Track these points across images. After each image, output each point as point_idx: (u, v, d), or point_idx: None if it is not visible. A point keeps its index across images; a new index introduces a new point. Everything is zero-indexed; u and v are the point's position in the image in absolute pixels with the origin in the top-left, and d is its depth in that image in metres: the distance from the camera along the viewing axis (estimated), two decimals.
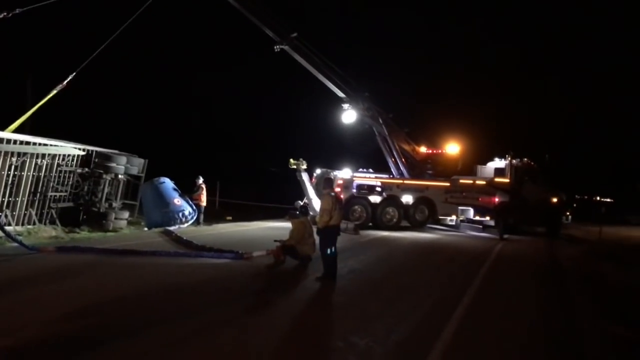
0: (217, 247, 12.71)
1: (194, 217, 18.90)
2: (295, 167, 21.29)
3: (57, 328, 6.24)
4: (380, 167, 23.44)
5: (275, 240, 11.68)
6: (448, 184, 21.97)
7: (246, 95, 37.08)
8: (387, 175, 22.65)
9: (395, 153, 22.91)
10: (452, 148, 23.76)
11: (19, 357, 5.23)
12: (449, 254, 15.44)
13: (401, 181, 22.03)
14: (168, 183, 18.97)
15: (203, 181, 19.84)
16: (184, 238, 14.30)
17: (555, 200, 22.75)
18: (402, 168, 22.83)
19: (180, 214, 18.29)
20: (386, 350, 6.24)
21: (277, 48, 19.90)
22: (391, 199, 21.45)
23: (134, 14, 18.11)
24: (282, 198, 24.06)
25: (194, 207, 19.06)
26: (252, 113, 37.71)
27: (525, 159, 22.88)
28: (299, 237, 11.43)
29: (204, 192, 19.81)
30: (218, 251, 12.34)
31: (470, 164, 23.76)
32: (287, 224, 12.09)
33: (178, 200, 18.53)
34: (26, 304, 7.23)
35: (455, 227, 22.76)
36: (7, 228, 12.47)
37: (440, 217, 22.23)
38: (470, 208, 21.98)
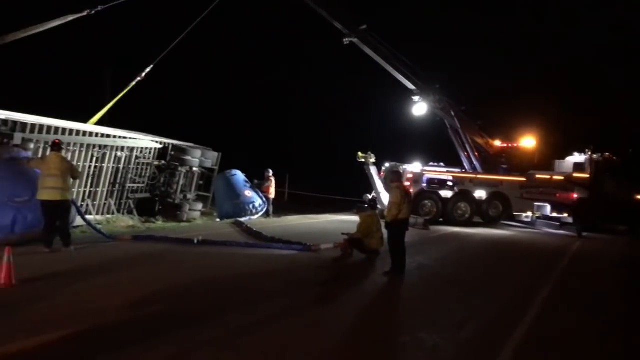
0: (286, 239, 12.85)
1: (264, 209, 19.19)
2: (363, 160, 21.19)
3: (131, 314, 6.46)
4: (452, 160, 22.92)
5: (343, 234, 11.65)
6: (524, 179, 21.20)
7: (316, 88, 37.17)
8: (459, 170, 22.14)
9: (467, 146, 22.34)
10: (528, 142, 22.88)
11: (95, 341, 5.44)
12: (523, 251, 14.91)
13: (474, 175, 21.47)
14: (239, 175, 19.36)
15: (272, 174, 20.10)
16: (254, 229, 14.55)
17: (638, 196, 21.49)
18: (475, 162, 22.25)
19: (251, 206, 18.63)
20: (456, 346, 6.07)
21: (346, 41, 19.81)
22: (463, 194, 20.96)
23: (208, 7, 18.56)
24: (351, 191, 24.02)
25: (264, 199, 19.36)
26: (322, 106, 37.75)
27: (607, 154, 21.70)
28: (366, 230, 11.35)
29: (273, 184, 20.08)
30: (287, 243, 12.46)
31: (548, 158, 22.79)
32: (356, 218, 12.02)
33: (249, 192, 18.87)
34: (103, 290, 7.54)
35: (530, 224, 21.94)
36: (88, 217, 13.08)
37: (515, 214, 21.47)
38: (547, 204, 21.12)
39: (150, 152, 16.93)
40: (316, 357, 5.48)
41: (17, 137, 11.87)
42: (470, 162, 22.36)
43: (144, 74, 18.65)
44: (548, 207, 21.12)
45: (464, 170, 22.13)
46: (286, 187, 27.10)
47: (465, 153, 22.48)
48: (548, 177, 21.26)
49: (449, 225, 20.10)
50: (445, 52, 34.37)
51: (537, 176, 21.25)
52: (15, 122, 12.40)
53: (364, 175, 21.52)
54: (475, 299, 8.52)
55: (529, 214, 21.39)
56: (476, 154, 22.36)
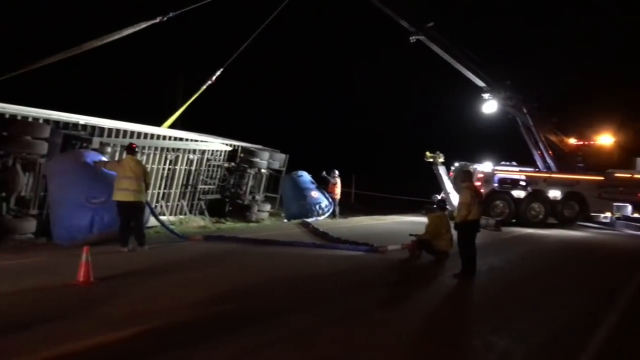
0: (352, 240, 12.82)
1: (330, 210, 19.24)
2: (431, 160, 20.86)
3: (202, 311, 6.61)
4: (525, 159, 22.18)
5: (411, 235, 11.50)
6: (602, 178, 20.24)
7: (383, 87, 36.95)
8: (532, 169, 21.41)
9: (541, 145, 21.57)
10: (606, 139, 21.83)
11: (167, 337, 5.60)
12: (601, 254, 14.23)
13: (548, 175, 20.71)
14: (306, 176, 19.50)
15: (338, 175, 20.11)
16: (320, 230, 14.61)
17: None
18: (548, 161, 21.45)
19: (317, 206, 18.73)
20: (528, 352, 5.85)
21: (412, 39, 19.57)
22: (537, 194, 20.26)
23: (276, 10, 18.82)
24: (419, 192, 23.69)
25: (330, 199, 19.40)
26: (389, 106, 37.50)
27: None
28: (435, 231, 11.15)
29: (339, 185, 20.09)
30: (353, 244, 12.43)
31: (628, 156, 21.66)
32: (424, 219, 11.84)
33: (315, 193, 18.98)
34: (175, 288, 7.77)
35: (609, 225, 20.93)
36: (162, 218, 13.53)
37: (592, 214, 20.55)
38: (628, 204, 20.08)
39: (220, 155, 17.33)
40: (383, 358, 5.41)
41: (95, 142, 12.41)
42: (544, 161, 21.58)
43: (214, 78, 19.14)
44: (629, 207, 20.08)
45: (537, 170, 21.40)
46: (352, 188, 27.07)
47: (539, 151, 21.73)
48: (629, 175, 20.20)
49: (522, 227, 19.48)
50: (520, 50, 33.35)
51: (617, 175, 20.24)
52: (93, 127, 12.97)
53: (432, 176, 21.17)
54: (549, 304, 8.20)
55: (608, 214, 20.42)
56: (550, 152, 21.57)
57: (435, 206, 12.21)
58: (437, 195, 19.37)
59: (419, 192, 23.50)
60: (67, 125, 12.36)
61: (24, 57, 15.41)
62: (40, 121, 11.64)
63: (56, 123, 12.03)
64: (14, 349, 4.89)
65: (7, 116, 11.01)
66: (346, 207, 21.52)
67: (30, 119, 11.54)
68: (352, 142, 36.27)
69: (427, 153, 20.93)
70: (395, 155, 34.23)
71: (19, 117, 11.35)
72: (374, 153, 35.95)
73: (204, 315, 6.46)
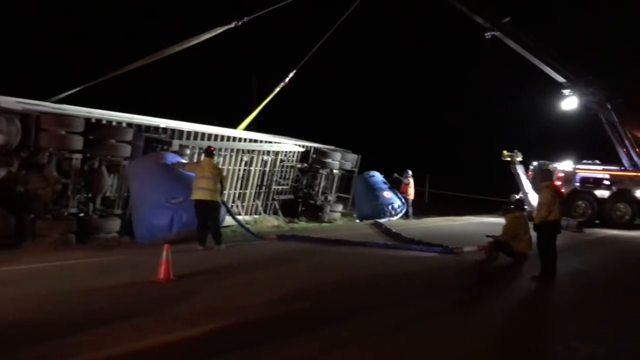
0: (426, 241, 12.63)
1: (403, 210, 19.04)
2: (509, 159, 20.27)
3: (277, 309, 6.71)
4: (609, 158, 21.09)
5: (487, 236, 11.19)
6: None
7: (456, 85, 36.16)
8: (617, 167, 20.33)
9: (627, 142, 20.42)
10: None
11: (242, 334, 5.72)
12: None
13: (635, 173, 19.60)
14: (378, 177, 19.36)
15: (411, 175, 19.87)
16: (393, 230, 14.48)
17: None
18: (635, 159, 20.28)
19: (390, 207, 18.56)
20: (614, 358, 5.56)
21: (487, 35, 19.09)
22: (622, 194, 19.24)
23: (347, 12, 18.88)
24: (495, 192, 23.05)
25: (403, 201, 19.20)
26: (462, 103, 36.68)
27: None
28: (513, 233, 10.79)
29: (412, 185, 19.85)
30: (427, 245, 12.24)
31: None
32: (501, 220, 11.50)
33: (387, 193, 18.82)
34: (250, 286, 7.92)
35: None
36: (237, 217, 13.84)
37: None
38: None
39: (293, 156, 17.54)
40: None
41: (175, 144, 12.87)
42: (630, 159, 20.42)
43: (287, 80, 19.41)
44: None
45: (622, 168, 20.29)
46: (426, 188, 26.65)
47: (624, 149, 20.58)
48: None
49: (606, 228, 18.55)
50: (604, 44, 31.77)
51: None
52: (173, 130, 13.47)
53: (509, 175, 20.55)
54: (636, 309, 7.76)
55: None
56: (637, 149, 20.39)
57: (513, 206, 11.85)
58: (515, 195, 18.76)
59: (495, 192, 22.88)
60: (148, 128, 12.89)
61: (110, 63, 16.25)
62: (124, 125, 12.19)
63: (138, 126, 12.56)
64: (99, 342, 5.13)
65: (93, 120, 11.60)
66: (419, 208, 21.23)
67: (114, 123, 12.11)
68: (426, 142, 35.71)
69: (505, 152, 20.35)
70: (471, 155, 33.41)
71: (104, 122, 11.94)
72: (448, 152, 35.22)
73: (278, 313, 6.55)
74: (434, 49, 37.45)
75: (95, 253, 10.01)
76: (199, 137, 14.20)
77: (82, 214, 11.32)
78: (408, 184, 19.68)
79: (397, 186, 19.75)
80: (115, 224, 11.70)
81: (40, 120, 10.44)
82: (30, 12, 29.44)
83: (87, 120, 11.32)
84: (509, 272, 10.22)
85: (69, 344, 5.04)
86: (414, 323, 6.46)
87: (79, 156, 10.98)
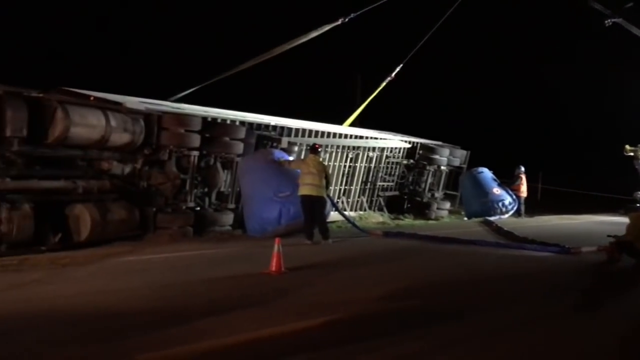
0: (540, 240, 12.08)
1: (515, 207, 18.30)
2: (632, 154, 18.92)
3: (387, 305, 6.72)
4: None
5: (609, 236, 10.52)
6: None
7: (570, 77, 34.11)
8: None
9: None
10: None
11: (354, 328, 5.78)
12: None
13: None
14: (487, 173, 18.72)
15: (524, 171, 19.05)
16: (505, 229, 14.00)
17: None
18: None
19: (500, 204, 17.89)
20: None
21: (608, 22, 17.87)
22: None
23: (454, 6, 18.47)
24: (616, 189, 21.55)
25: (514, 198, 18.45)
26: (579, 96, 34.52)
27: None
28: (637, 233, 10.06)
29: (524, 182, 19.02)
30: (541, 244, 11.71)
31: None
32: (624, 219, 10.75)
33: (497, 190, 18.16)
34: (359, 281, 8.00)
35: None
36: (344, 212, 13.98)
37: None
38: None
39: (399, 152, 17.42)
40: None
41: (284, 141, 13.23)
42: None
43: (393, 74, 19.29)
44: None
45: None
46: (539, 185, 25.41)
47: None
48: None
49: None
50: None
51: None
52: (282, 128, 13.85)
53: (632, 171, 19.16)
54: None
55: None
56: None
57: (638, 205, 11.03)
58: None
59: (617, 190, 21.38)
60: (259, 126, 13.34)
61: (223, 64, 16.97)
62: (237, 123, 12.70)
63: (250, 124, 13.04)
64: (219, 330, 5.39)
65: (209, 119, 12.18)
66: (532, 206, 20.30)
67: (228, 122, 12.65)
68: (540, 136, 34.04)
69: (627, 147, 19.03)
70: (590, 150, 31.47)
71: (219, 120, 12.50)
72: (564, 148, 33.35)
73: (389, 309, 6.56)
74: (548, 36, 35.53)
75: (211, 245, 10.52)
76: (307, 134, 14.49)
77: (198, 208, 11.93)
78: (520, 180, 18.89)
79: (508, 181, 19.00)
80: (228, 218, 12.23)
81: (162, 120, 11.12)
82: (150, 17, 31.38)
83: (204, 119, 11.90)
84: (633, 274, 9.54)
85: (191, 330, 5.34)
86: (526, 325, 6.21)
87: (196, 153, 11.56)
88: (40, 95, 9.65)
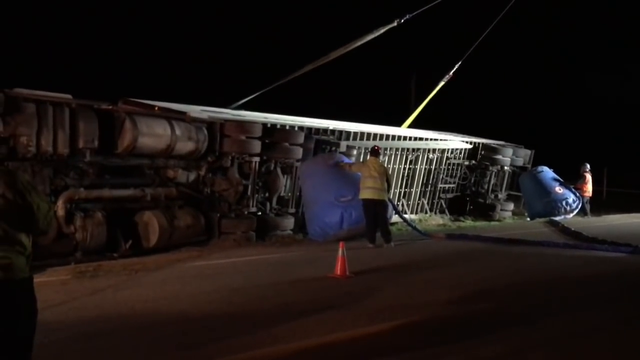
0: (611, 240, 11.65)
1: (579, 205, 17.66)
2: None
3: (456, 309, 6.63)
4: None
5: None
6: None
7: (634, 72, 32.67)
8: None
9: None
10: None
11: (424, 333, 5.73)
12: None
13: None
14: (547, 172, 18.14)
15: (589, 169, 18.37)
16: (572, 229, 13.57)
17: None
18: None
19: (564, 203, 17.31)
20: None
21: None
22: None
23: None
24: None
25: (578, 195, 17.80)
26: None
27: None
28: None
29: (589, 181, 18.34)
30: (612, 244, 11.29)
31: None
32: None
33: (559, 189, 17.58)
34: (426, 284, 7.91)
35: None
36: (405, 215, 13.88)
37: None
38: None
39: (460, 153, 17.14)
40: None
41: (343, 145, 13.24)
42: None
43: (451, 73, 19.00)
44: None
45: None
46: (604, 184, 24.45)
47: None
48: None
49: None
50: None
51: None
52: (340, 132, 13.88)
53: None
54: None
55: None
56: None
57: None
58: None
59: None
60: (318, 130, 13.41)
61: (280, 70, 17.18)
62: (296, 129, 12.81)
63: (309, 129, 13.12)
64: (290, 335, 5.44)
65: (269, 125, 12.33)
66: (597, 205, 19.57)
67: (287, 127, 12.78)
68: (606, 134, 32.76)
69: None
70: None
71: (278, 126, 12.65)
72: (632, 144, 31.96)
73: (459, 313, 6.47)
74: (616, 29, 34.20)
75: (274, 249, 10.64)
76: (365, 137, 14.46)
77: (260, 213, 12.09)
78: (586, 178, 18.24)
79: (573, 181, 18.36)
80: (289, 222, 12.33)
81: (224, 127, 11.33)
82: (208, 26, 32.13)
83: (264, 125, 12.06)
84: None
85: (264, 334, 5.42)
86: (605, 329, 6.02)
87: (257, 159, 11.72)
88: (110, 107, 10.02)
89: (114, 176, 10.03)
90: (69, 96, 9.37)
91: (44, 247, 8.48)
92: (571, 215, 17.34)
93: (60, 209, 8.87)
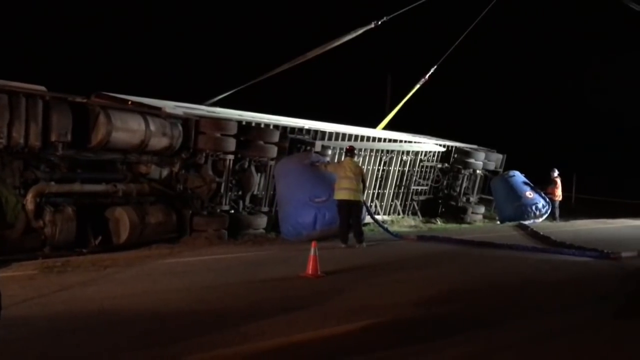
0: (578, 245, 11.89)
1: (548, 210, 18.01)
2: None
3: (425, 311, 6.69)
4: None
5: None
6: None
7: (607, 77, 33.29)
8: None
9: None
10: None
11: (393, 333, 5.78)
12: None
13: None
14: (518, 176, 18.46)
15: (558, 175, 18.75)
16: (541, 233, 13.81)
17: None
18: None
19: (534, 207, 17.63)
20: None
21: None
22: None
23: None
24: None
25: (547, 200, 18.15)
26: (613, 98, 33.70)
27: None
28: None
29: (559, 186, 18.73)
30: (579, 249, 11.52)
31: None
32: None
33: (530, 194, 17.90)
34: (396, 285, 7.96)
35: None
36: (376, 217, 13.96)
37: None
38: None
39: (433, 156, 17.32)
40: None
41: (318, 145, 13.28)
42: None
43: (427, 76, 19.19)
44: None
45: None
46: (573, 190, 24.95)
47: None
48: None
49: None
50: None
51: None
52: (316, 131, 13.90)
53: None
54: None
55: None
56: None
57: None
58: None
59: None
60: (293, 130, 13.41)
61: (257, 68, 17.13)
62: (271, 127, 12.80)
63: (284, 128, 13.11)
64: (260, 333, 5.45)
65: (244, 123, 12.30)
66: (566, 210, 19.98)
67: (262, 125, 12.75)
68: (575, 139, 33.36)
69: None
70: (628, 153, 30.78)
71: (253, 124, 12.62)
72: (600, 151, 32.63)
73: (427, 314, 6.55)
74: (584, 36, 34.82)
75: (246, 248, 10.63)
76: (340, 137, 14.51)
77: (233, 211, 12.05)
78: (555, 183, 18.61)
79: (542, 186, 18.72)
80: (262, 221, 12.33)
81: (199, 124, 11.27)
82: (181, 21, 31.86)
83: (239, 123, 12.02)
84: None
85: (234, 333, 5.42)
86: (569, 332, 6.13)
87: (231, 157, 11.68)
88: (84, 100, 9.88)
89: (85, 171, 9.91)
90: (42, 88, 9.23)
91: (10, 241, 8.36)
92: (540, 219, 17.67)
93: (29, 202, 8.74)
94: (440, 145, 17.61)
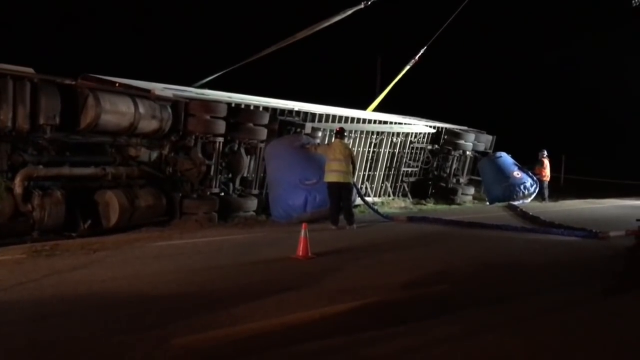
0: (567, 225, 11.99)
1: (537, 190, 18.10)
2: None
3: (416, 290, 6.73)
4: None
5: (638, 220, 10.39)
6: None
7: (594, 58, 33.28)
8: None
9: None
10: None
11: (383, 314, 5.81)
12: None
13: None
14: (506, 157, 18.52)
15: (546, 155, 18.84)
16: (530, 213, 13.91)
17: None
18: None
19: (522, 187, 17.70)
20: None
21: (635, 2, 17.52)
22: None
23: None
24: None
25: (535, 179, 18.23)
26: (604, 79, 33.76)
27: None
28: None
29: (547, 166, 18.82)
30: (568, 229, 11.62)
31: None
32: None
33: (518, 174, 17.98)
34: (386, 266, 8.01)
35: None
36: (367, 199, 14.00)
37: None
38: None
39: (423, 137, 17.33)
40: (612, 353, 5.02)
41: (308, 127, 13.24)
42: None
43: (417, 57, 19.11)
44: None
45: None
46: (562, 171, 25.10)
47: None
48: None
49: None
50: None
51: None
52: (306, 113, 13.85)
53: None
54: None
55: None
56: None
57: None
58: None
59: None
60: (283, 111, 13.35)
61: (246, 49, 16.98)
62: (261, 109, 12.73)
63: (274, 110, 13.05)
64: (251, 315, 5.46)
65: (233, 105, 12.22)
66: (555, 190, 20.11)
67: (252, 107, 12.68)
68: (565, 121, 33.48)
69: None
70: (616, 134, 30.95)
71: (243, 106, 12.54)
72: (589, 132, 32.76)
73: (417, 294, 6.58)
74: (576, 17, 34.72)
75: (237, 230, 10.63)
76: (330, 119, 14.47)
77: (223, 194, 12.02)
78: (543, 164, 18.71)
79: (530, 167, 18.81)
80: (252, 203, 12.32)
81: (189, 106, 11.19)
82: (172, 5, 31.46)
83: (229, 105, 11.94)
84: None
85: (224, 314, 5.42)
86: (558, 310, 6.18)
87: (221, 139, 11.63)
88: (73, 82, 9.75)
89: (74, 154, 9.84)
90: (30, 70, 9.11)
91: None
92: (529, 199, 17.77)
93: (17, 186, 8.69)
94: (430, 126, 17.62)
